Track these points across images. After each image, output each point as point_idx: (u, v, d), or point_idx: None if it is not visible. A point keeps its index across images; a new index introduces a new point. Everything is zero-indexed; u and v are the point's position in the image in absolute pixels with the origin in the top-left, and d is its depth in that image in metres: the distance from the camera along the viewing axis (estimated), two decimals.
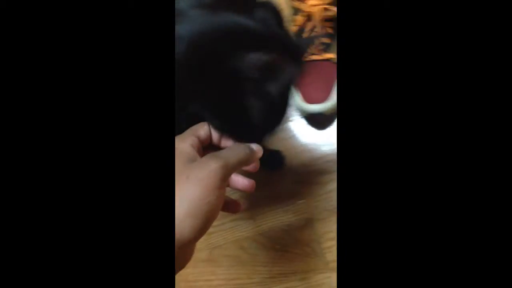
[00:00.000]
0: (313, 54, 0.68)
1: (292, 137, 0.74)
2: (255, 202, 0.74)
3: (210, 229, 0.37)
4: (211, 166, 0.33)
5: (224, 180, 0.34)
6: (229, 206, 0.42)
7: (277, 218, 0.73)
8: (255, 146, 0.38)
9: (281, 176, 0.73)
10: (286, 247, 0.71)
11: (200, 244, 0.37)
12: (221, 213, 0.36)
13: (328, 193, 0.72)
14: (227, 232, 0.76)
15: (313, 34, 0.68)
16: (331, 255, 0.69)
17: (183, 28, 0.34)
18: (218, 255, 0.76)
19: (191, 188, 0.32)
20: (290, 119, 0.75)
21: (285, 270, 0.71)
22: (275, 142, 0.74)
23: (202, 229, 0.33)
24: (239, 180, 0.42)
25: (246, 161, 0.37)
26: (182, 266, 0.35)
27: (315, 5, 0.67)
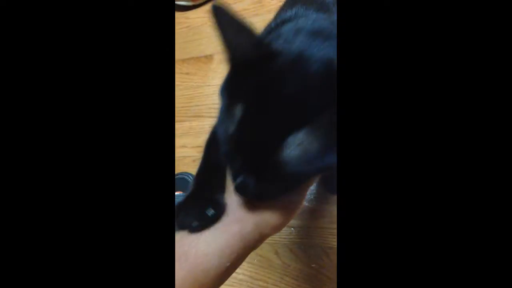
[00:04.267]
0: None
1: None
2: (303, 215, 0.73)
3: None
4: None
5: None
6: None
7: (321, 238, 0.71)
8: None
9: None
10: (322, 269, 0.70)
11: None
12: None
13: None
14: None
15: None
16: None
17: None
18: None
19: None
20: None
21: None
22: None
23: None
24: None
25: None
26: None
27: None
